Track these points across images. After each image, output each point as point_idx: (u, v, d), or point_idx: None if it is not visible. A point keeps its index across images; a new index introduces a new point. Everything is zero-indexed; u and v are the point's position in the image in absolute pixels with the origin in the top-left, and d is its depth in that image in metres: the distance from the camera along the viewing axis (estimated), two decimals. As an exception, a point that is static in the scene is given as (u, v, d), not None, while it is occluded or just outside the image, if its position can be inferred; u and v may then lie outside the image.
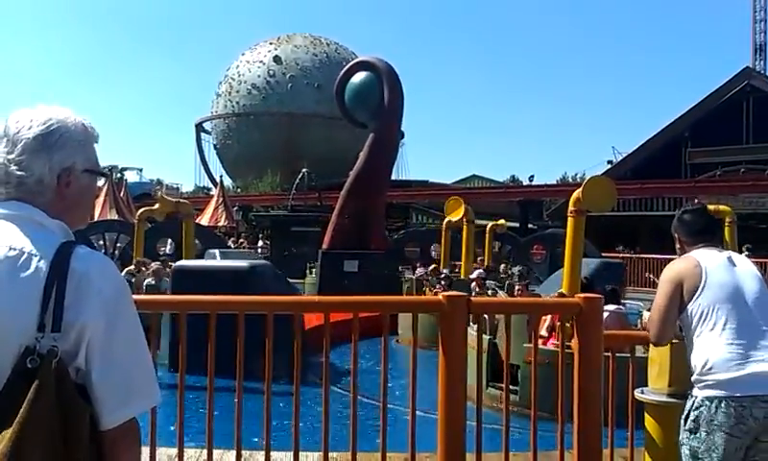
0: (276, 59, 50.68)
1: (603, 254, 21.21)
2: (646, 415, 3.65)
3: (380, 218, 16.07)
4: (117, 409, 1.28)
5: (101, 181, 1.64)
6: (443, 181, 45.93)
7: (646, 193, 30.96)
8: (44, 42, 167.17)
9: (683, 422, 2.59)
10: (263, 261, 12.63)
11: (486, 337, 7.74)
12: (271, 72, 50.29)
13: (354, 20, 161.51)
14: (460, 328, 2.75)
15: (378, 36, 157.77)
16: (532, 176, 47.84)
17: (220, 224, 27.02)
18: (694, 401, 2.54)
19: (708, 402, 2.47)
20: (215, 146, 53.59)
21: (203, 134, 54.54)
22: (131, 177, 46.47)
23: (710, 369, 2.49)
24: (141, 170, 54.77)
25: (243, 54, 53.49)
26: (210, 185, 48.37)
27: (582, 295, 2.82)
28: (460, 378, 2.72)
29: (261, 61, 51.16)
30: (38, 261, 1.26)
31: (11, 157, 1.33)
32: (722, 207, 12.87)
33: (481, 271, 12.84)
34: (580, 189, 7.89)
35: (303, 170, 30.66)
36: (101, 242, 20.32)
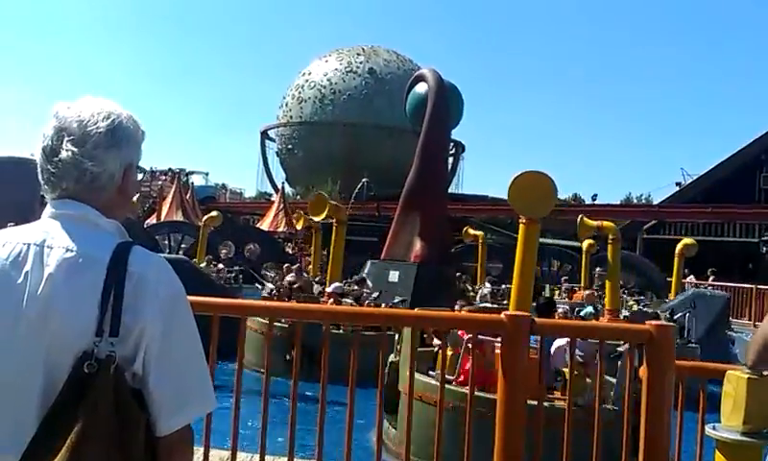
0: (371, 71, 51.06)
1: (668, 280, 20.49)
2: (717, 453, 3.45)
3: (430, 230, 15.74)
4: (174, 415, 1.25)
5: (140, 176, 1.63)
6: (502, 196, 45.25)
7: (717, 217, 29.71)
8: (114, 48, 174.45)
9: None
10: (181, 257, 12.84)
11: (392, 357, 6.84)
12: (368, 83, 50.53)
13: (418, 34, 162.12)
14: (522, 351, 2.64)
15: (441, 51, 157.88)
16: (595, 195, 46.82)
17: (279, 229, 27.49)
18: None
19: None
20: (279, 152, 54.29)
21: (267, 141, 55.54)
22: (197, 180, 47.73)
23: None
24: (207, 174, 56.04)
25: (326, 60, 53.40)
26: (272, 191, 49.18)
27: (654, 322, 2.67)
28: (520, 405, 2.61)
29: (354, 72, 51.35)
30: (95, 264, 1.23)
31: (81, 151, 1.29)
32: (605, 224, 12.14)
33: (338, 285, 11.64)
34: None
35: (363, 180, 30.90)
36: (166, 242, 21.00)
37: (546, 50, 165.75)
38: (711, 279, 21.27)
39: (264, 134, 55.31)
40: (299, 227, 19.51)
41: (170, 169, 43.44)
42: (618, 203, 47.82)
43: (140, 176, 1.45)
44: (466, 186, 52.37)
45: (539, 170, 6.90)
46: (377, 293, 13.07)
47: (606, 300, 11.80)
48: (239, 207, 46.90)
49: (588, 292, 13.01)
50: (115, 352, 1.19)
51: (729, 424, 3.39)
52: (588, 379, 5.74)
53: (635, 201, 55.81)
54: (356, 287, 12.82)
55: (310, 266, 18.14)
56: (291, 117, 53.10)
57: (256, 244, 21.90)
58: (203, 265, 16.05)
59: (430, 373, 6.79)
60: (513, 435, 2.66)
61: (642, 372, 2.79)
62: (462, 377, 6.28)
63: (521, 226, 6.73)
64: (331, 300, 10.76)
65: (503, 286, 16.89)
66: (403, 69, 50.63)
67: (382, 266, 14.87)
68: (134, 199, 19.64)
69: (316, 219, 13.70)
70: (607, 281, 11.98)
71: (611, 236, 11.79)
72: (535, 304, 8.22)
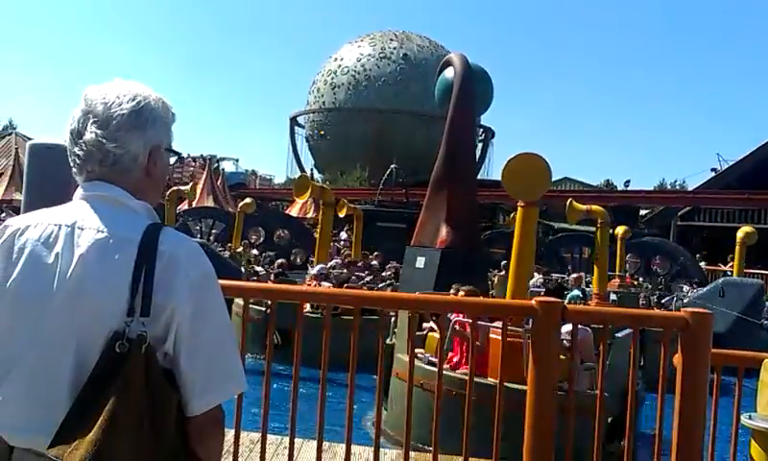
0: (405, 57, 50.73)
1: (702, 266, 20.08)
2: (753, 443, 3.37)
3: (456, 215, 15.55)
4: (205, 395, 1.25)
5: (172, 160, 1.61)
6: (532, 182, 44.69)
7: (754, 204, 29.01)
8: (143, 35, 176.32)
9: None
10: (200, 240, 12.86)
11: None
12: (402, 69, 50.15)
13: (447, 19, 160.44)
14: (552, 337, 2.61)
15: (471, 35, 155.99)
16: (628, 181, 45.99)
17: (308, 215, 27.66)
18: None
19: None
20: (308, 138, 54.36)
21: (296, 128, 55.70)
22: (227, 167, 48.22)
23: None
24: (237, 160, 56.56)
25: (358, 45, 53.10)
26: (301, 178, 49.32)
27: (689, 309, 2.61)
28: (550, 393, 2.58)
29: (388, 58, 50.96)
30: (126, 244, 1.23)
31: (104, 133, 1.30)
32: (594, 207, 11.84)
33: (321, 266, 11.55)
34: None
35: (392, 166, 30.83)
36: (197, 227, 21.28)
37: (580, 35, 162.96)
38: (730, 265, 20.94)
39: (293, 121, 55.48)
40: (341, 214, 19.70)
41: (201, 155, 43.93)
42: (652, 189, 46.96)
43: (173, 160, 1.40)
44: (496, 172, 52.00)
45: (532, 152, 6.82)
46: (370, 277, 13.14)
47: (593, 284, 11.65)
48: (269, 194, 47.24)
49: (574, 275, 12.83)
50: (147, 332, 1.19)
51: (765, 414, 3.32)
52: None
53: (669, 187, 54.76)
54: (345, 271, 12.85)
55: (348, 251, 18.35)
56: (324, 102, 52.77)
57: (286, 230, 22.06)
58: (239, 250, 16.54)
59: (418, 355, 6.87)
60: (543, 422, 2.64)
61: (677, 360, 2.73)
62: (452, 362, 6.25)
63: (519, 209, 6.62)
64: (314, 282, 10.76)
65: (553, 275, 16.49)
66: (437, 55, 49.99)
67: (412, 252, 14.90)
68: (188, 188, 19.97)
69: (299, 200, 13.48)
70: (594, 265, 11.82)
71: (599, 220, 11.67)
72: (544, 290, 8.14)
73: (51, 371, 1.21)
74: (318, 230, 12.89)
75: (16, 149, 25.85)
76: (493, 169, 50.38)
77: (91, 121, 1.31)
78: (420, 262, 13.87)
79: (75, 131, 1.33)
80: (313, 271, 11.45)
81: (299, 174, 52.60)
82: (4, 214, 21.66)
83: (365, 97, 49.90)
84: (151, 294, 1.20)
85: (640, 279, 17.61)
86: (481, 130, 52.80)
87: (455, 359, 6.40)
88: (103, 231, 1.25)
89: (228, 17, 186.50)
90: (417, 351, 6.69)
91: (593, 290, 11.51)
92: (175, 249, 1.25)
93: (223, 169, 38.84)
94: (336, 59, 53.39)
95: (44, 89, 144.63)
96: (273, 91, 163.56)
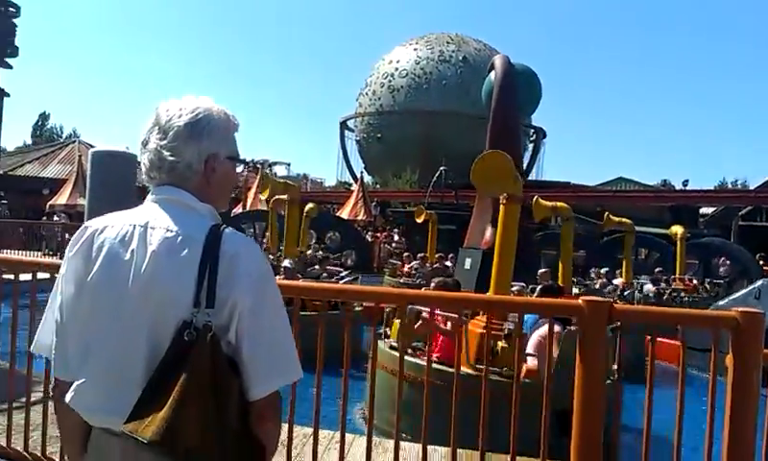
0: (465, 60, 50.69)
1: (765, 268, 19.36)
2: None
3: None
4: (264, 381, 1.36)
5: (239, 168, 1.73)
6: (586, 182, 44.05)
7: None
8: (197, 44, 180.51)
9: None
10: None
11: (382, 344, 6.84)
12: (462, 72, 50.08)
13: (497, 18, 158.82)
14: (599, 337, 2.63)
15: (524, 34, 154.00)
16: (686, 180, 44.72)
17: (359, 218, 27.93)
18: None
19: None
20: (364, 140, 54.69)
21: (346, 132, 56.23)
22: (280, 171, 49.26)
23: None
24: (289, 164, 57.83)
25: (414, 48, 53.03)
26: (351, 181, 49.89)
27: (740, 309, 2.58)
28: (598, 392, 2.60)
29: (448, 61, 50.78)
30: (193, 243, 1.36)
31: (163, 143, 1.44)
32: (560, 205, 11.33)
33: (290, 260, 11.24)
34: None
35: (441, 168, 30.83)
36: (251, 230, 21.76)
37: (637, 33, 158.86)
38: (761, 263, 20.15)
39: (343, 125, 56.01)
40: (419, 220, 20.17)
41: (253, 160, 44.88)
42: (712, 188, 45.47)
43: (240, 168, 1.52)
44: (551, 173, 51.28)
45: (495, 150, 7.25)
46: (345, 272, 13.26)
47: (560, 279, 11.46)
48: (320, 197, 47.96)
49: (542, 271, 12.55)
50: (212, 322, 1.32)
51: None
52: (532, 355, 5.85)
53: (729, 186, 52.87)
54: (317, 267, 12.84)
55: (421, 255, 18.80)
56: (381, 105, 52.77)
57: (336, 232, 22.36)
58: (309, 252, 16.73)
59: (386, 340, 7.10)
60: (590, 422, 2.64)
61: (729, 361, 2.70)
62: (438, 352, 6.27)
63: (501, 206, 6.77)
64: (279, 276, 10.74)
65: (662, 284, 15.69)
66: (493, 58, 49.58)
67: (463, 254, 15.00)
68: (285, 196, 20.00)
69: (262, 197, 13.36)
70: (560, 262, 11.60)
71: (565, 217, 11.48)
72: (540, 287, 8.06)
73: (126, 356, 1.34)
74: (286, 226, 12.96)
75: (80, 156, 27.03)
76: (550, 170, 49.75)
77: (155, 132, 1.46)
78: (467, 263, 13.89)
79: (144, 141, 1.49)
80: (285, 264, 11.36)
81: (348, 177, 53.35)
82: (56, 217, 23.06)
83: (425, 100, 49.84)
84: (215, 288, 1.32)
85: (696, 281, 16.98)
86: (532, 130, 52.14)
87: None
88: (171, 231, 1.39)
89: (278, 23, 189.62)
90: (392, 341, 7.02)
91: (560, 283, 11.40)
92: (236, 248, 1.37)
93: (275, 173, 39.56)
94: (391, 61, 53.39)
95: (102, 101, 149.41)
96: (324, 95, 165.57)
